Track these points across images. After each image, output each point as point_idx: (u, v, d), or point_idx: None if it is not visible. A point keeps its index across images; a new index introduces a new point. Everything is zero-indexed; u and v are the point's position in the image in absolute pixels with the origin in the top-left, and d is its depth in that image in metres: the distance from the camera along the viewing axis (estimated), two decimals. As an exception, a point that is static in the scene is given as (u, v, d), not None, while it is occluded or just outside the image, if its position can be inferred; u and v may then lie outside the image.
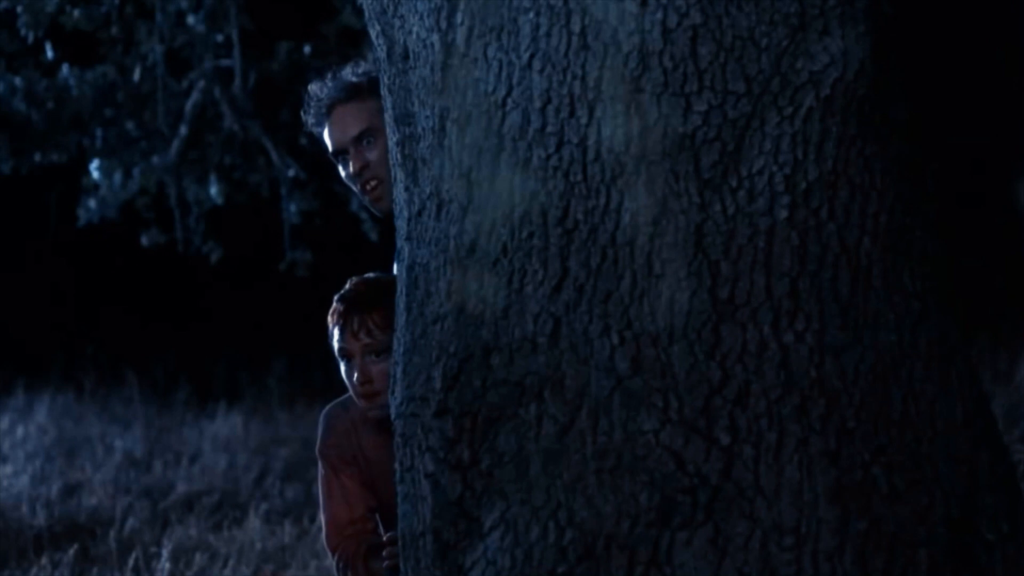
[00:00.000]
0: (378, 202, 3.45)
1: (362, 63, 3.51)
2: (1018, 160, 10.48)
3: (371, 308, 3.44)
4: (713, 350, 2.62)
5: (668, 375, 2.62)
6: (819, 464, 2.60)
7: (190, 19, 8.73)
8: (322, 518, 3.66)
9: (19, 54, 8.77)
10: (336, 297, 3.53)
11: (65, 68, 9.01)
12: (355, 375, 3.46)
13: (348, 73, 3.48)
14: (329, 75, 3.51)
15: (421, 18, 2.85)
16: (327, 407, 3.66)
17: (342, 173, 3.50)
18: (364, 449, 3.56)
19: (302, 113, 3.52)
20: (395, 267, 3.28)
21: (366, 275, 3.56)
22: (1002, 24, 9.93)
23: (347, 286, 3.56)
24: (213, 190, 9.35)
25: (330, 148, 3.48)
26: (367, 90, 3.41)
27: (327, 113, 3.46)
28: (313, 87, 3.50)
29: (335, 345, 3.52)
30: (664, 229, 2.64)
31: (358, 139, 3.41)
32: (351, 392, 3.54)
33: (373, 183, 3.43)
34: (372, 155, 3.41)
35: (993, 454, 2.78)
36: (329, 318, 3.54)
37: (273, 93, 9.20)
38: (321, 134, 3.51)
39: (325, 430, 3.62)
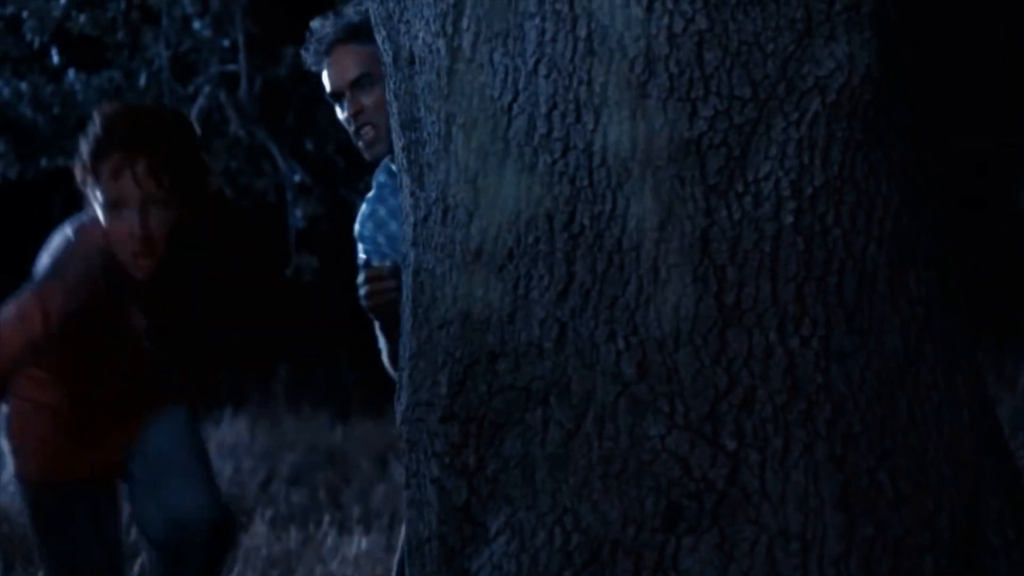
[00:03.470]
0: (370, 146, 3.39)
1: (366, 1, 3.45)
2: (1023, 164, 10.48)
3: (154, 148, 3.03)
4: (719, 355, 2.62)
5: (674, 380, 2.62)
6: (825, 469, 2.60)
7: (196, 24, 8.74)
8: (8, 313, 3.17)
9: (25, 59, 8.77)
10: (99, 132, 3.08)
11: (71, 73, 9.01)
12: (134, 229, 3.05)
13: (350, 12, 3.42)
14: (331, 12, 3.45)
15: (427, 23, 2.85)
16: (74, 225, 3.19)
17: (339, 115, 3.45)
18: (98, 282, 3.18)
19: (301, 51, 3.46)
20: None
21: (125, 102, 3.16)
22: (1006, 29, 9.93)
23: (107, 117, 3.09)
24: (218, 195, 9.34)
25: (327, 89, 3.42)
26: (368, 32, 3.30)
27: (326, 52, 3.41)
28: (315, 23, 3.44)
29: (100, 195, 3.03)
30: (670, 234, 2.64)
31: (355, 83, 3.36)
32: (119, 250, 3.10)
33: (367, 128, 3.37)
34: (368, 100, 3.35)
35: (998, 459, 2.78)
36: (86, 158, 3.06)
37: (279, 98, 9.21)
38: (319, 73, 3.45)
39: (72, 246, 3.17)
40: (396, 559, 3.53)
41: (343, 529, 6.37)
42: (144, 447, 3.44)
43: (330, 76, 3.40)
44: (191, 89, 8.97)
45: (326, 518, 6.51)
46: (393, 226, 3.42)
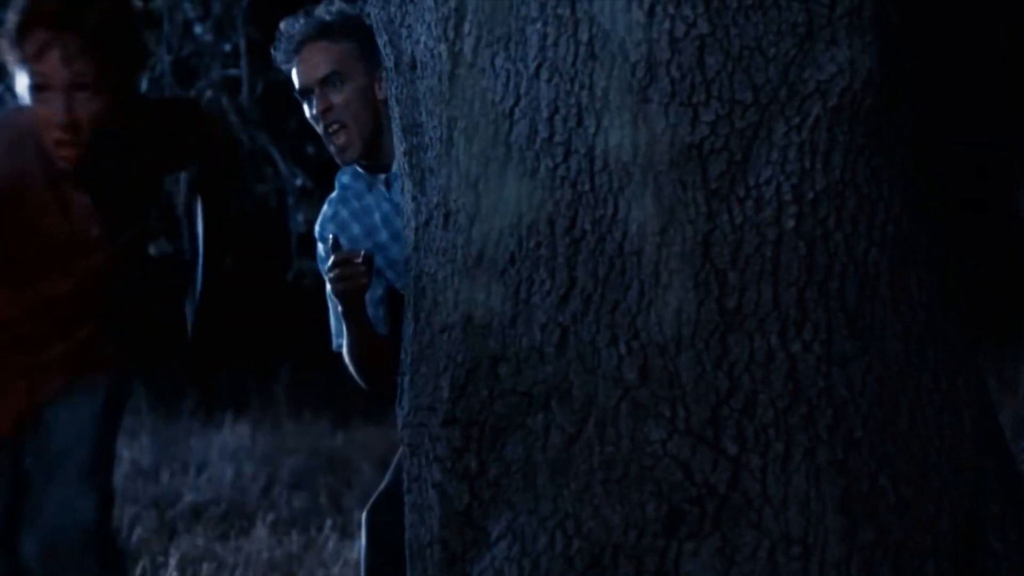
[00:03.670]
0: (343, 152, 3.37)
1: (337, 1, 3.43)
2: (1023, 167, 10.48)
3: (85, 27, 2.78)
4: (720, 360, 2.62)
5: (675, 385, 2.62)
6: (826, 474, 2.60)
7: (197, 29, 8.74)
8: None
9: (26, 63, 8.77)
10: (25, 5, 2.81)
11: (72, 77, 8.99)
12: (58, 116, 2.80)
13: (322, 11, 3.41)
14: (302, 12, 3.44)
15: (428, 28, 2.85)
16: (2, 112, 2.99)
17: (307, 114, 3.43)
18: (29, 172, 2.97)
19: (272, 49, 3.44)
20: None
21: None
22: (1006, 29, 9.93)
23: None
24: (220, 199, 9.33)
25: (296, 86, 3.41)
26: (339, 30, 3.35)
27: (296, 50, 3.39)
28: (284, 23, 3.42)
29: (26, 75, 2.79)
30: (671, 239, 2.64)
31: (324, 80, 3.34)
32: (43, 135, 2.87)
33: (335, 127, 3.34)
34: (337, 98, 3.34)
35: (999, 462, 2.78)
36: (12, 33, 2.80)
37: (280, 102, 9.18)
38: (289, 72, 3.43)
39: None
40: (362, 562, 3.47)
41: (345, 533, 6.37)
42: (41, 439, 3.11)
43: (299, 73, 3.40)
44: (193, 93, 8.97)
45: (327, 522, 6.50)
46: (356, 228, 3.42)
